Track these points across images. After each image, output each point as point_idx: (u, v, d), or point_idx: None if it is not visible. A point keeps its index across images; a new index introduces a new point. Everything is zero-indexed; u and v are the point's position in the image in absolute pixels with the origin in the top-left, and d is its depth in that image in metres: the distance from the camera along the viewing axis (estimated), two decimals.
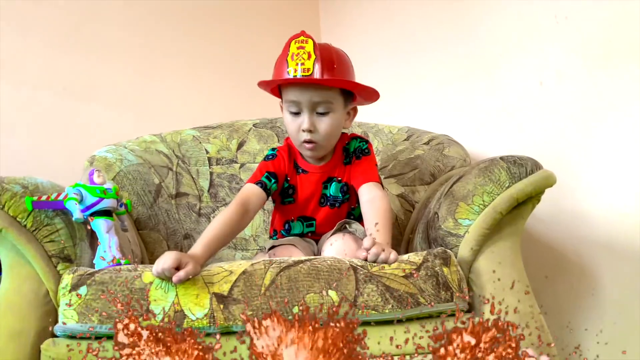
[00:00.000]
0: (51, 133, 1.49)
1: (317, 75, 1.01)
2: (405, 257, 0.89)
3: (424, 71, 1.69)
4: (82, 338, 0.84)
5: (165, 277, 0.83)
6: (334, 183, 1.15)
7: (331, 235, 1.08)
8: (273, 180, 1.12)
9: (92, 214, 0.93)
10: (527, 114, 1.39)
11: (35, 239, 0.89)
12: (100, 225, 0.92)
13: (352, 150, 1.16)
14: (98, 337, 0.83)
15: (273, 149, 1.19)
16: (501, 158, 0.95)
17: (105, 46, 1.62)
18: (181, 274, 0.81)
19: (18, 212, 0.89)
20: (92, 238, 0.99)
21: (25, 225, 0.89)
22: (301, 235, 1.18)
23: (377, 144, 1.48)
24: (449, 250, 0.90)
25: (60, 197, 0.90)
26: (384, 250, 0.88)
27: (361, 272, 0.86)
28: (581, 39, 1.28)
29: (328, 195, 1.16)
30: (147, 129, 1.52)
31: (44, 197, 0.90)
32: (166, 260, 0.82)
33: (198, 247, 0.93)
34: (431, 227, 1.00)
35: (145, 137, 1.43)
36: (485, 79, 1.50)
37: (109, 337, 0.82)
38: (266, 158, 1.17)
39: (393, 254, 0.89)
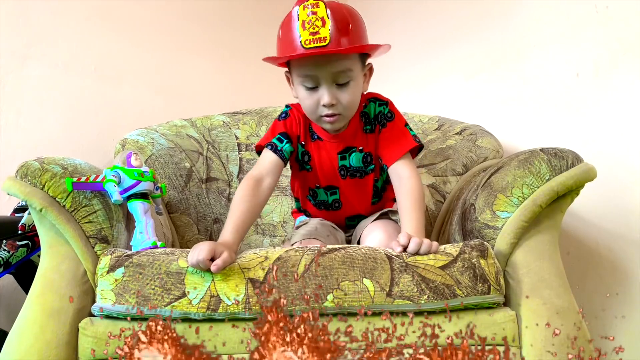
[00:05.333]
0: (82, 114, 1.50)
1: (334, 43, 0.90)
2: (441, 247, 0.88)
3: (454, 60, 1.66)
4: (118, 318, 0.85)
5: (201, 269, 0.83)
6: (354, 153, 1.07)
7: (371, 223, 1.06)
8: (285, 141, 1.03)
9: (130, 197, 0.94)
10: (562, 106, 1.37)
11: (73, 219, 0.90)
12: (137, 207, 0.93)
13: (374, 117, 1.06)
14: (134, 319, 0.84)
15: (287, 106, 1.09)
16: (541, 150, 0.93)
17: (136, 28, 1.62)
18: (219, 262, 0.81)
19: (58, 192, 0.90)
20: (128, 220, 1.00)
21: (64, 206, 0.90)
22: (327, 204, 1.14)
23: None
24: (486, 243, 0.89)
25: (99, 179, 0.91)
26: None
27: (396, 262, 0.86)
28: (621, 30, 1.25)
29: (348, 166, 1.08)
30: (176, 113, 1.53)
31: (83, 179, 0.91)
32: (200, 252, 0.81)
33: (227, 234, 0.91)
34: (467, 218, 0.99)
35: (176, 122, 1.44)
36: (519, 69, 1.47)
37: (144, 319, 0.84)
38: (279, 117, 1.08)
39: (434, 245, 0.87)
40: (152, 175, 0.96)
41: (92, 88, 1.52)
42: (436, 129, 1.43)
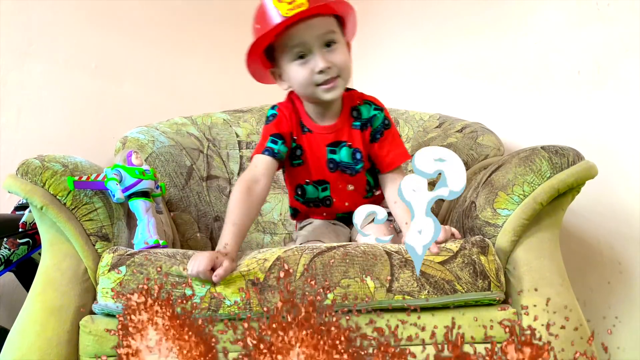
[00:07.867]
0: (82, 112, 1.50)
1: (313, 4, 0.93)
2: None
3: (456, 58, 1.66)
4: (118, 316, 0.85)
5: (201, 279, 0.83)
6: (344, 148, 1.06)
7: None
8: (280, 142, 1.03)
9: (131, 195, 0.94)
10: (563, 104, 1.36)
11: (74, 217, 0.90)
12: (139, 206, 0.93)
13: (366, 118, 1.06)
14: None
15: (273, 107, 1.09)
16: (542, 148, 0.93)
17: (137, 26, 1.62)
18: (220, 272, 0.81)
19: (58, 190, 0.90)
20: (129, 218, 1.00)
21: (65, 204, 0.90)
22: (317, 200, 1.12)
23: (407, 130, 1.47)
24: (487, 239, 0.89)
25: (100, 178, 0.91)
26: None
27: (396, 258, 0.86)
28: (622, 28, 1.24)
29: (338, 160, 1.07)
30: (177, 111, 1.53)
31: (84, 177, 0.91)
32: (200, 262, 0.81)
33: (226, 241, 0.90)
34: (467, 216, 0.99)
35: (176, 120, 1.43)
36: (520, 67, 1.47)
37: None
38: (267, 120, 1.08)
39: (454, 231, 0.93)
40: (153, 174, 0.96)
41: (93, 86, 1.52)
42: (437, 127, 1.43)
